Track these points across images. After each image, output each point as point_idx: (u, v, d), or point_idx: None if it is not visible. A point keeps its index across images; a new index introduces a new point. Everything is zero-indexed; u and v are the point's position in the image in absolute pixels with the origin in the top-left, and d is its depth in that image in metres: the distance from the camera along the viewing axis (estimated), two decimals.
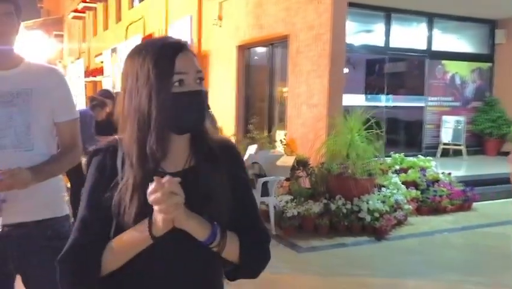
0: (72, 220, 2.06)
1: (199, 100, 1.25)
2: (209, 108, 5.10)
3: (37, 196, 1.90)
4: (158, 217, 1.16)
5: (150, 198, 1.12)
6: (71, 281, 1.25)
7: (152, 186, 1.12)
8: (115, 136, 1.31)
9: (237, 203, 1.32)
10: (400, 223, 6.13)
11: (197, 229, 1.22)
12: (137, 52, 1.25)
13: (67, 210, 2.11)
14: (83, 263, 1.23)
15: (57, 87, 2.01)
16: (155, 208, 1.14)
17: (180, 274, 1.28)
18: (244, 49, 10.29)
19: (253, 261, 1.34)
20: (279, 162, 6.50)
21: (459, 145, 10.05)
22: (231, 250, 1.28)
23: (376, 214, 5.79)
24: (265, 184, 5.74)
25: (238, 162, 1.41)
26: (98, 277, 1.23)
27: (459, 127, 10.10)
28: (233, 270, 1.33)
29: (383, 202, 6.05)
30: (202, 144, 1.31)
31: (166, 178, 1.12)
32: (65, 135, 2.06)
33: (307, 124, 7.96)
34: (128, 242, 1.21)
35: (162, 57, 1.22)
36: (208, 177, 1.28)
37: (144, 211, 1.19)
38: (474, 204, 7.22)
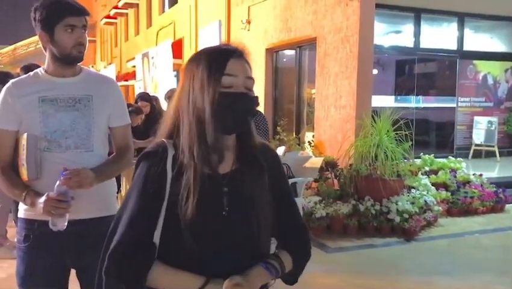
0: None
1: (243, 102, 1.31)
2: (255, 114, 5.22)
3: (93, 195, 2.03)
4: None
5: None
6: (117, 277, 1.31)
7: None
8: (163, 139, 1.37)
9: (279, 204, 1.41)
10: (429, 224, 6.10)
11: (263, 280, 1.35)
12: (197, 56, 1.36)
13: (118, 208, 2.25)
14: (130, 261, 1.28)
15: (112, 94, 2.16)
16: None
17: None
18: (272, 52, 10.38)
19: (304, 262, 1.47)
20: (307, 164, 6.55)
21: (492, 146, 9.88)
22: (287, 265, 1.41)
23: (406, 215, 5.78)
24: (293, 185, 5.80)
25: (278, 165, 1.50)
26: (143, 276, 1.29)
27: (492, 128, 9.93)
28: (291, 274, 1.45)
29: (412, 203, 6.03)
30: (246, 147, 1.39)
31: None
32: (119, 138, 2.22)
33: (335, 125, 7.98)
34: (175, 284, 1.30)
35: (215, 59, 1.32)
36: (252, 180, 1.36)
37: (203, 210, 1.26)
38: (507, 206, 7.09)
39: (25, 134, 1.98)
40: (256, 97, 1.39)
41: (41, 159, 2.00)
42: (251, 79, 1.34)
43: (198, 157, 1.29)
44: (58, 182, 1.86)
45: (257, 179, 1.36)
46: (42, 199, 1.88)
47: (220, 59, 1.31)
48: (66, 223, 1.90)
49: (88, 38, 2.10)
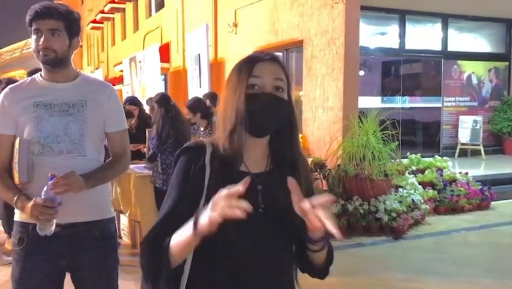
0: None
1: (266, 103, 1.32)
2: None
3: (86, 199, 2.05)
4: (207, 216, 1.17)
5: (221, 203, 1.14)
6: (149, 265, 1.32)
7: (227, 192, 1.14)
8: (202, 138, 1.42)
9: None
10: (417, 222, 6.18)
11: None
12: (236, 64, 1.41)
13: (112, 213, 2.27)
14: (163, 251, 1.27)
15: (109, 100, 2.17)
16: (211, 208, 1.16)
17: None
18: None
19: (331, 260, 1.46)
20: None
21: (477, 145, 10.03)
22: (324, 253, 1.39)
23: (393, 214, 5.86)
24: None
25: (307, 172, 1.49)
26: (172, 265, 1.29)
27: (477, 127, 10.07)
28: (323, 269, 1.45)
29: (400, 202, 6.11)
30: (280, 151, 1.39)
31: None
32: (116, 144, 2.23)
33: (323, 127, 8.06)
34: (180, 239, 1.25)
35: (244, 63, 1.37)
36: (285, 182, 1.33)
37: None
38: (493, 203, 7.22)
39: (18, 138, 2.02)
40: (287, 101, 1.37)
41: (33, 163, 2.03)
42: (281, 80, 1.36)
43: (219, 159, 1.33)
44: (45, 188, 1.88)
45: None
46: (30, 204, 1.90)
47: (248, 63, 1.36)
48: (53, 228, 1.92)
49: (67, 43, 2.07)
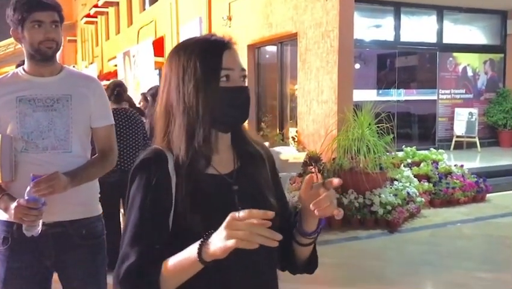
0: None
1: (244, 96, 1.26)
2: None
3: (72, 197, 1.98)
4: (222, 243, 1.01)
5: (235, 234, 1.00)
6: None
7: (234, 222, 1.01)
8: (155, 145, 1.27)
9: (280, 198, 1.37)
10: (412, 215, 6.17)
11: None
12: (182, 48, 1.25)
13: (100, 210, 2.20)
14: (146, 284, 1.12)
15: (94, 94, 2.11)
16: (228, 234, 1.01)
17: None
18: (254, 48, 10.38)
19: (316, 257, 1.39)
20: (291, 159, 6.58)
21: (473, 137, 10.02)
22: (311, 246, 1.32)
23: (389, 207, 5.84)
24: None
25: (273, 163, 1.43)
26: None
27: (472, 120, 10.06)
28: (307, 264, 1.37)
29: (395, 195, 6.09)
30: (245, 144, 1.33)
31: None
32: (102, 140, 2.16)
33: (318, 120, 8.02)
34: (178, 267, 1.10)
35: (210, 52, 1.22)
36: (257, 174, 1.32)
37: (208, 217, 1.14)
38: (488, 195, 7.21)
39: (0, 135, 1.95)
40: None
41: (17, 161, 1.97)
42: (244, 69, 1.28)
43: (187, 160, 1.20)
44: (28, 188, 1.80)
45: (261, 173, 1.33)
46: (13, 205, 1.83)
47: (214, 52, 1.22)
48: (40, 228, 1.86)
49: (62, 35, 2.05)
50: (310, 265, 1.38)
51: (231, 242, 0.99)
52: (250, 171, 1.31)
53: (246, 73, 1.30)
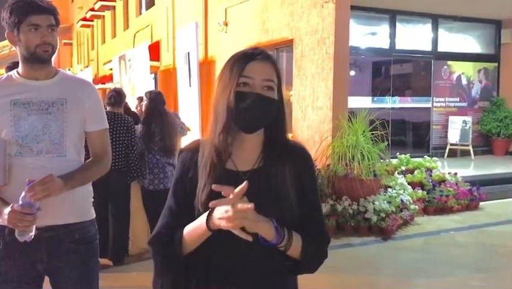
0: None
1: (253, 102, 1.36)
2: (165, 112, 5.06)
3: (66, 200, 1.97)
4: (218, 221, 1.28)
5: (220, 215, 1.26)
6: (162, 259, 1.43)
7: (223, 206, 1.26)
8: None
9: (303, 205, 1.43)
10: (406, 223, 6.18)
11: (266, 230, 1.33)
12: (228, 60, 1.44)
13: (93, 214, 2.18)
14: (169, 243, 1.40)
15: (89, 98, 2.10)
16: (221, 215, 1.27)
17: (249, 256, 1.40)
18: None
19: (312, 259, 1.46)
20: None
21: (467, 145, 10.06)
22: (295, 249, 1.39)
23: (382, 214, 5.84)
24: None
25: (308, 166, 1.50)
26: (182, 255, 1.40)
27: (466, 128, 10.11)
28: (293, 265, 1.44)
29: (389, 203, 6.10)
30: (272, 146, 1.44)
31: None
32: (96, 144, 2.15)
33: (312, 126, 8.03)
34: (193, 231, 1.37)
35: (237, 61, 1.40)
36: (275, 178, 1.40)
37: (213, 199, 1.32)
38: (482, 203, 7.23)
39: None
40: (275, 100, 1.41)
41: (11, 165, 1.95)
42: (270, 81, 1.39)
43: (208, 155, 1.40)
44: (23, 194, 1.79)
45: (280, 178, 1.40)
46: (7, 210, 1.82)
47: (240, 62, 1.39)
48: (33, 233, 1.84)
49: (58, 38, 2.05)
50: (293, 266, 1.44)
51: (221, 222, 1.27)
52: (270, 172, 1.41)
53: (271, 84, 1.40)
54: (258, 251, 1.37)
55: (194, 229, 1.37)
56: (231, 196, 1.25)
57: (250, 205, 1.24)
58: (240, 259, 1.38)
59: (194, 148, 1.46)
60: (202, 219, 1.34)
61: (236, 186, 1.28)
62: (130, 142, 4.78)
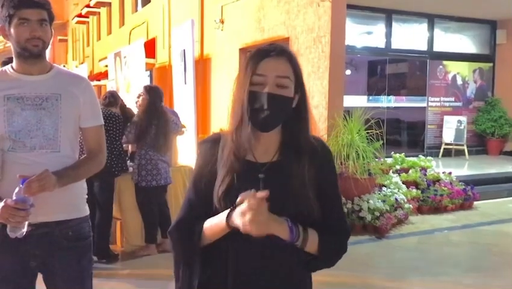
0: None
1: (269, 103, 1.36)
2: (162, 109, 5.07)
3: (59, 197, 1.96)
4: (238, 219, 1.31)
5: (242, 218, 1.29)
6: (180, 248, 1.48)
7: (245, 205, 1.29)
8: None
9: (323, 199, 1.44)
10: (400, 221, 6.19)
11: (281, 231, 1.36)
12: (246, 56, 1.46)
13: (87, 211, 2.17)
14: (188, 234, 1.44)
15: (84, 94, 2.08)
16: (242, 217, 1.29)
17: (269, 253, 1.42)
18: (246, 52, 10.36)
19: (330, 254, 1.48)
20: None
21: (461, 145, 10.10)
22: (311, 246, 1.42)
23: (377, 213, 5.86)
24: None
25: (327, 160, 1.52)
26: (200, 245, 1.43)
27: (461, 128, 10.14)
28: (312, 260, 1.47)
29: (383, 201, 6.11)
30: (290, 141, 1.45)
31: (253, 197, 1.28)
32: (91, 140, 2.14)
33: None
34: (214, 225, 1.41)
35: (252, 59, 1.41)
36: (291, 172, 1.41)
37: (230, 194, 1.37)
38: (475, 203, 7.27)
39: None
40: (288, 98, 1.40)
41: (3, 160, 1.94)
42: (285, 77, 1.39)
43: (227, 149, 1.43)
44: (16, 189, 1.78)
45: (299, 168, 1.42)
46: (0, 205, 1.81)
47: (255, 59, 1.40)
48: (25, 230, 1.83)
49: (52, 33, 2.03)
50: (312, 261, 1.48)
51: (245, 229, 1.29)
52: (287, 164, 1.43)
53: (286, 80, 1.39)
54: (275, 248, 1.40)
55: (216, 223, 1.40)
56: (251, 200, 1.27)
57: (265, 195, 1.27)
58: (257, 255, 1.40)
59: (215, 140, 1.48)
60: (223, 215, 1.37)
61: (254, 177, 1.37)
62: (116, 136, 4.84)
